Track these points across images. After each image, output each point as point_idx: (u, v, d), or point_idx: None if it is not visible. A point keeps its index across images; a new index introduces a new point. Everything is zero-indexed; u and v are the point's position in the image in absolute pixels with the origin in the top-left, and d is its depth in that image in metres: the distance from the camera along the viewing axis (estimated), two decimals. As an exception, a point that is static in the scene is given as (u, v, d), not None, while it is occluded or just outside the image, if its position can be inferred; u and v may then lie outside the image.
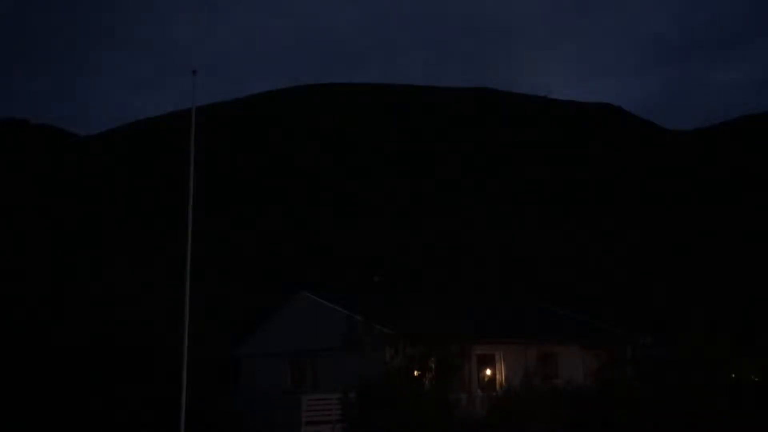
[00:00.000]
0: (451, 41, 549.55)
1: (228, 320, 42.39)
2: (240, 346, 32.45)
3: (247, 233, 66.61)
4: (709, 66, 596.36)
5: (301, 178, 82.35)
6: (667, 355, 27.11)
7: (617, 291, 58.81)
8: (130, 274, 51.25)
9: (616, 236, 76.07)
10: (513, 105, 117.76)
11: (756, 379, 26.35)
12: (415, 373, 22.11)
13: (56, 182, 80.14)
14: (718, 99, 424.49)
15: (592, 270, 65.63)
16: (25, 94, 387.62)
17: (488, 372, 27.13)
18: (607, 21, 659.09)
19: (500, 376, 27.04)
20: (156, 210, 67.66)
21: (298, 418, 22.47)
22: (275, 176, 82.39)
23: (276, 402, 24.57)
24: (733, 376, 26.40)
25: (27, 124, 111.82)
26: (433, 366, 22.02)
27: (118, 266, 53.44)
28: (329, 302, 28.39)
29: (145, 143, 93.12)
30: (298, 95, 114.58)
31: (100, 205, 72.61)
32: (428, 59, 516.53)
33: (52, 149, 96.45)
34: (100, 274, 50.70)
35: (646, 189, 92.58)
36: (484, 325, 28.69)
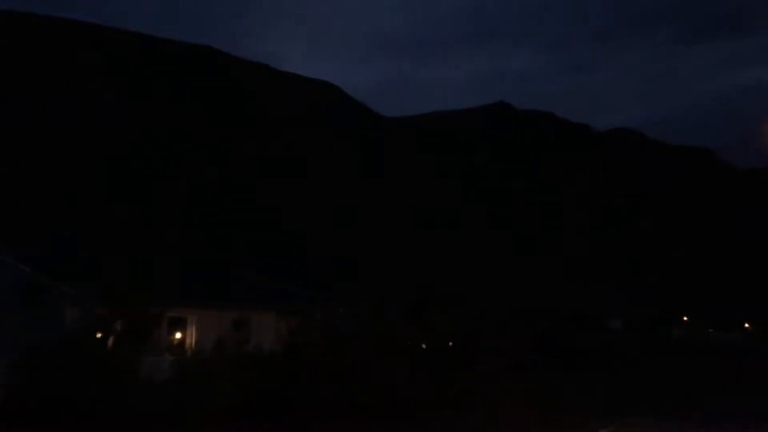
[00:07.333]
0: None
1: None
2: None
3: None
4: (424, 63, 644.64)
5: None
6: (353, 324, 29.25)
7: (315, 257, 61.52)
8: None
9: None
10: (238, 70, 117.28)
11: (425, 347, 29.50)
12: (99, 335, 21.32)
13: None
14: (426, 94, 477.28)
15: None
16: None
17: (178, 335, 27.01)
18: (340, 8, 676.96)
19: (190, 340, 27.10)
20: None
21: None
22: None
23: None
24: (409, 344, 29.27)
25: None
26: (118, 328, 21.39)
27: None
28: (10, 258, 26.29)
29: None
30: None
31: None
32: (157, 10, 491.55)
33: None
34: None
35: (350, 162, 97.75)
36: (179, 287, 28.49)
